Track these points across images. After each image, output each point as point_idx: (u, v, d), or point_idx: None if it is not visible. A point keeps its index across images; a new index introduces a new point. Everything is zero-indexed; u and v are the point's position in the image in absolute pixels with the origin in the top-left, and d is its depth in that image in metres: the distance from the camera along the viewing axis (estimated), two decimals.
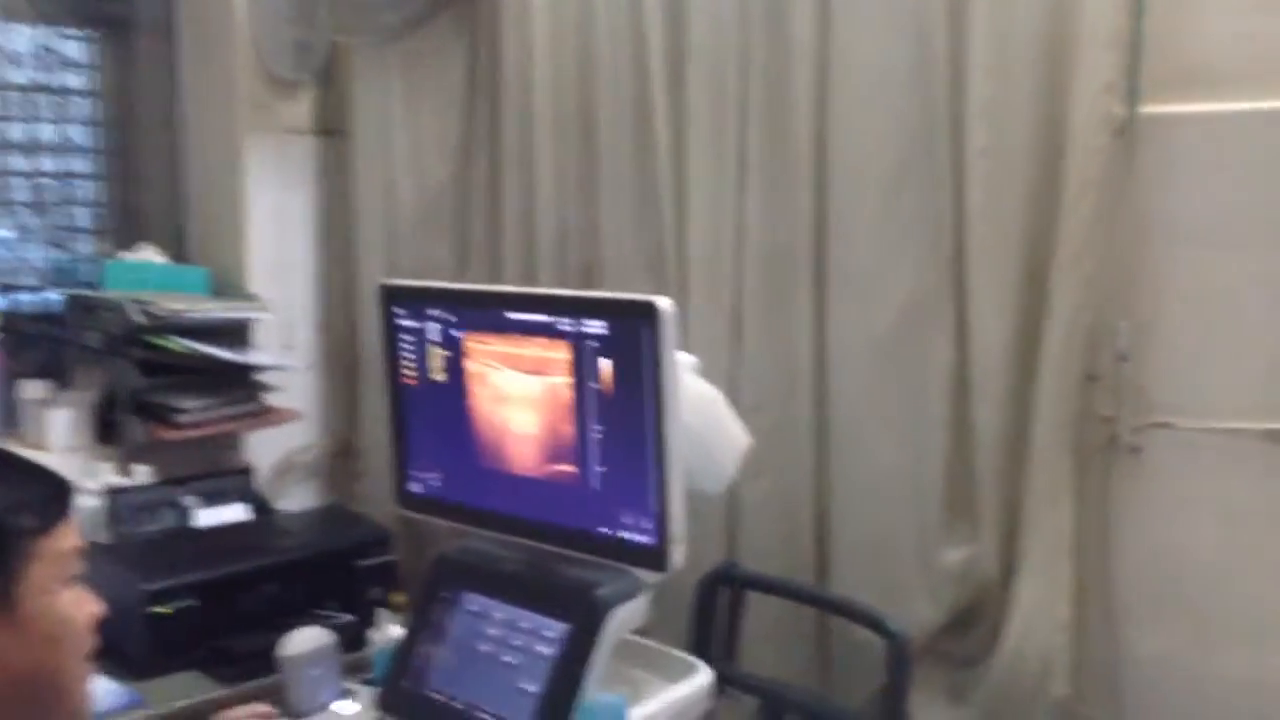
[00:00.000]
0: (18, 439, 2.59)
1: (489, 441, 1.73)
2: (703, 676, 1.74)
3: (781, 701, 2.01)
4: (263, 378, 2.71)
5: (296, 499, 2.81)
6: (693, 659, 1.78)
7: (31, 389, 2.61)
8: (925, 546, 2.04)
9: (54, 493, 1.11)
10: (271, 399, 2.72)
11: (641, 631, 1.71)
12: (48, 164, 2.90)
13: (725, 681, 2.09)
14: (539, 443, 1.66)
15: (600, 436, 1.58)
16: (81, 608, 1.12)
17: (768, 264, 2.17)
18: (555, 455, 1.64)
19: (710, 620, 2.12)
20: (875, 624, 1.90)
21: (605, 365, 1.55)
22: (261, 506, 2.61)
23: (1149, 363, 1.84)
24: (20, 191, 2.91)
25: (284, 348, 2.79)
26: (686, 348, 2.06)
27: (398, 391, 1.82)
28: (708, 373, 2.00)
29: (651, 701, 1.66)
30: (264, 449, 2.80)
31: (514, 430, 1.69)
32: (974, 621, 2.01)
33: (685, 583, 2.22)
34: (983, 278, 1.93)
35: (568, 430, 1.61)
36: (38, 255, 2.92)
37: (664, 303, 1.51)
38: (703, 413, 1.71)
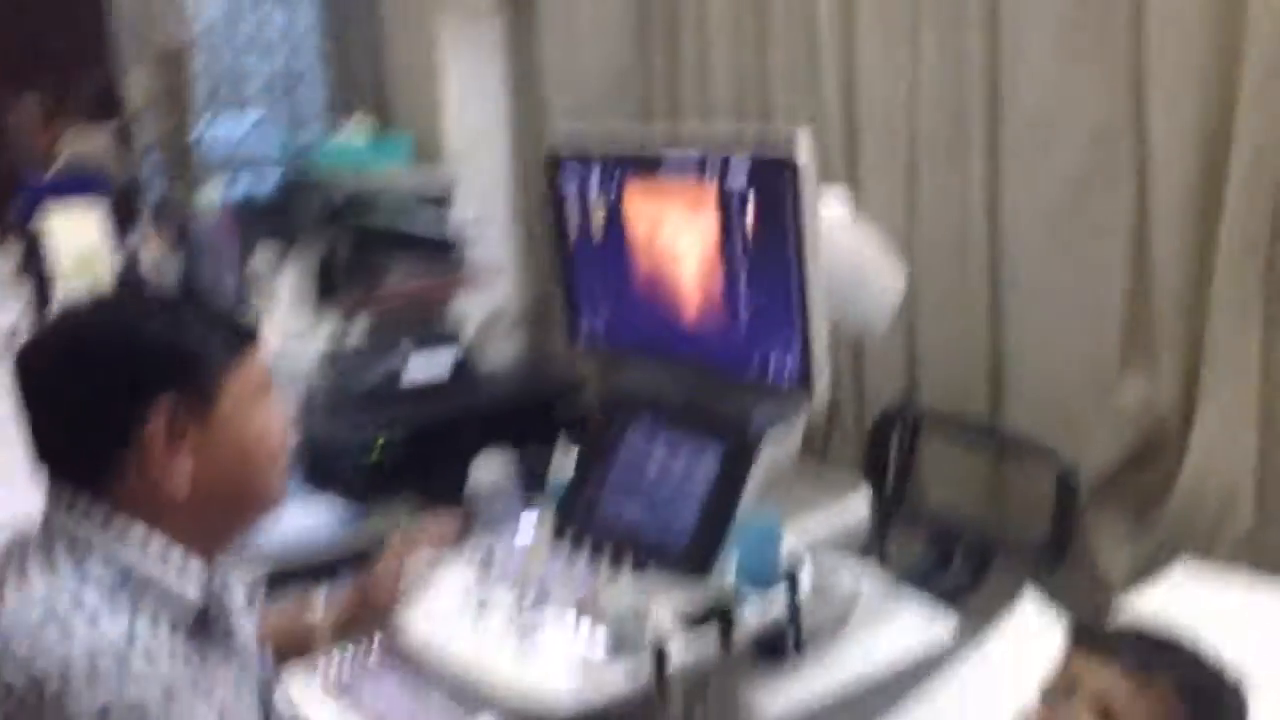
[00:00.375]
0: (251, 302, 2.86)
1: (648, 284, 1.81)
2: (862, 496, 1.78)
3: (949, 534, 2.04)
4: (463, 242, 2.88)
5: (498, 353, 2.98)
6: (856, 478, 1.82)
7: (262, 258, 2.86)
8: (1103, 382, 2.00)
9: (240, 328, 1.26)
10: (471, 261, 2.89)
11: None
12: (275, 54, 3.17)
13: (896, 515, 2.15)
14: (693, 283, 1.73)
15: (746, 276, 1.63)
16: (272, 422, 1.26)
17: (941, 109, 2.14)
18: (707, 295, 1.70)
19: (885, 456, 2.16)
20: (1044, 456, 1.90)
21: (750, 204, 1.59)
22: (464, 360, 2.79)
23: None
24: (253, 80, 3.19)
25: (482, 213, 2.94)
26: (860, 197, 2.09)
27: (564, 243, 1.92)
28: (885, 213, 2.02)
29: (811, 519, 1.72)
30: (468, 308, 2.98)
31: (669, 272, 1.76)
32: (1155, 458, 1.97)
33: (865, 421, 2.28)
34: (1164, 107, 1.85)
35: (717, 270, 1.67)
36: (267, 137, 3.16)
37: (803, 140, 1.53)
38: (856, 252, 1.73)
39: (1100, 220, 1.97)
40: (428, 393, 2.60)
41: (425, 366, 2.69)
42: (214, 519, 1.22)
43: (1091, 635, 1.33)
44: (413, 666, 1.59)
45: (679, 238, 1.74)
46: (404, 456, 2.38)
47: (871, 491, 2.04)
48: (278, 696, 1.38)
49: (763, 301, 1.63)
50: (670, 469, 1.71)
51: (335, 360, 2.62)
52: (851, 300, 1.72)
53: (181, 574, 1.17)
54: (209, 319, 1.24)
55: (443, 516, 1.73)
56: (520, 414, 2.46)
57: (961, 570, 2.02)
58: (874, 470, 2.16)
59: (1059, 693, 1.27)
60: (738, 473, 1.63)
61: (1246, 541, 1.85)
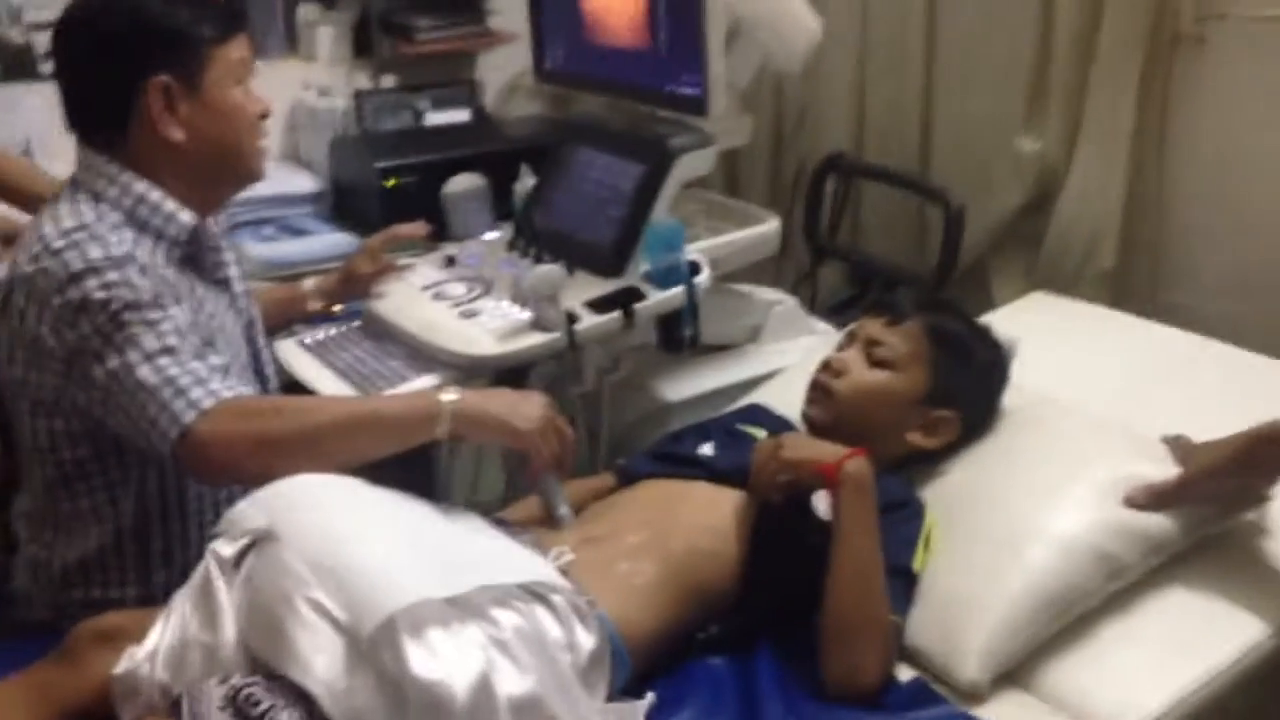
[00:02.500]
0: (294, 54, 3.18)
1: (592, 17, 2.11)
2: (770, 225, 2.09)
3: (864, 267, 2.34)
4: (490, 3, 3.14)
5: (519, 108, 3.26)
6: (767, 213, 2.12)
7: (305, 11, 3.16)
8: (1009, 137, 2.26)
9: (229, 12, 1.52)
10: (495, 23, 3.16)
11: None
12: None
13: (825, 252, 2.46)
14: (627, 18, 2.01)
15: (665, 9, 1.91)
16: (251, 102, 1.55)
17: None
18: (638, 28, 1.99)
19: (819, 202, 2.45)
20: (939, 197, 2.17)
21: None
22: (481, 113, 3.09)
23: None
24: None
25: None
26: None
27: None
28: None
29: (719, 238, 2.04)
30: (493, 69, 3.26)
31: (609, 8, 2.06)
32: (1045, 205, 2.24)
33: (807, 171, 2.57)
34: None
35: (644, 5, 1.96)
36: None
37: None
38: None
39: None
40: (447, 134, 2.91)
41: (443, 118, 3.00)
42: (202, 180, 1.51)
43: (877, 303, 1.66)
44: (378, 336, 1.95)
45: None
46: (416, 188, 2.71)
47: (808, 234, 2.35)
48: (262, 342, 1.71)
49: (676, 30, 1.92)
50: (602, 187, 2.03)
51: (362, 109, 2.94)
52: (771, 30, 1.97)
53: (175, 218, 1.48)
54: (200, 2, 1.49)
55: (415, 222, 2.06)
56: (520, 157, 2.74)
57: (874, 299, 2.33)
58: (811, 213, 2.45)
59: (844, 341, 1.62)
60: (653, 187, 1.94)
61: (1109, 279, 2.13)
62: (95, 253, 1.39)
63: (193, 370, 1.37)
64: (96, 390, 1.38)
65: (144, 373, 1.36)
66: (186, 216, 1.50)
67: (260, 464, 1.33)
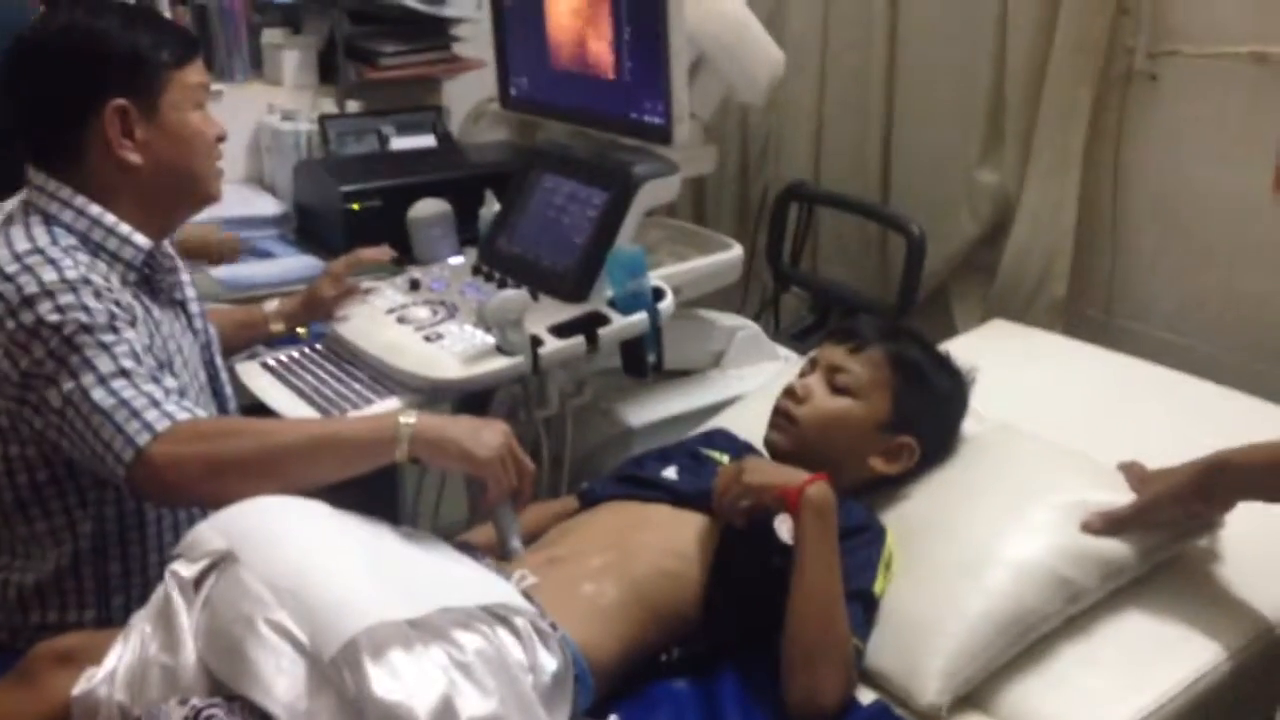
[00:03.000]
0: (259, 77, 3.18)
1: (556, 46, 2.13)
2: (733, 252, 2.11)
3: (826, 294, 2.37)
4: (455, 31, 3.16)
5: (484, 134, 3.27)
6: (730, 240, 2.14)
7: (270, 35, 3.17)
8: (968, 169, 2.30)
9: (185, 39, 1.53)
10: (461, 50, 3.18)
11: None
12: None
13: (788, 279, 2.48)
14: (591, 47, 2.03)
15: (629, 39, 1.93)
16: (208, 125, 1.54)
17: None
18: (603, 57, 2.01)
19: (782, 230, 2.48)
20: (901, 227, 2.20)
21: None
22: (446, 138, 3.10)
23: None
24: None
25: (475, 4, 3.20)
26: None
27: (500, 12, 2.22)
28: (803, 19, 2.26)
29: (682, 264, 2.06)
30: (459, 96, 3.27)
31: (574, 37, 2.07)
32: (1001, 235, 2.28)
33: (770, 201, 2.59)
34: None
35: (609, 35, 1.97)
36: None
37: None
38: (735, 32, 2.01)
39: (973, 21, 2.23)
40: (411, 158, 2.92)
41: (408, 143, 3.01)
42: (158, 203, 1.50)
43: (839, 329, 1.68)
44: (342, 358, 1.95)
45: (580, 6, 2.04)
46: (381, 213, 2.71)
47: (771, 261, 2.38)
48: (220, 363, 1.70)
49: (641, 60, 1.94)
50: (566, 214, 2.04)
51: (327, 134, 2.95)
52: (735, 61, 2.01)
53: (130, 240, 1.47)
54: (158, 27, 1.49)
55: (380, 246, 2.06)
56: (483, 183, 2.76)
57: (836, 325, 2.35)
58: (774, 241, 2.48)
59: (807, 367, 1.63)
60: (617, 214, 1.95)
61: (1060, 309, 2.17)
62: (49, 275, 1.38)
63: (148, 393, 1.36)
64: (53, 414, 1.37)
65: (98, 395, 1.34)
66: (142, 239, 1.49)
67: (216, 486, 1.32)
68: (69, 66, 1.44)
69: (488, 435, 1.41)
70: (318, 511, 1.31)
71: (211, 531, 1.24)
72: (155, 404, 1.36)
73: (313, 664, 1.10)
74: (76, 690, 1.17)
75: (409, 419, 1.39)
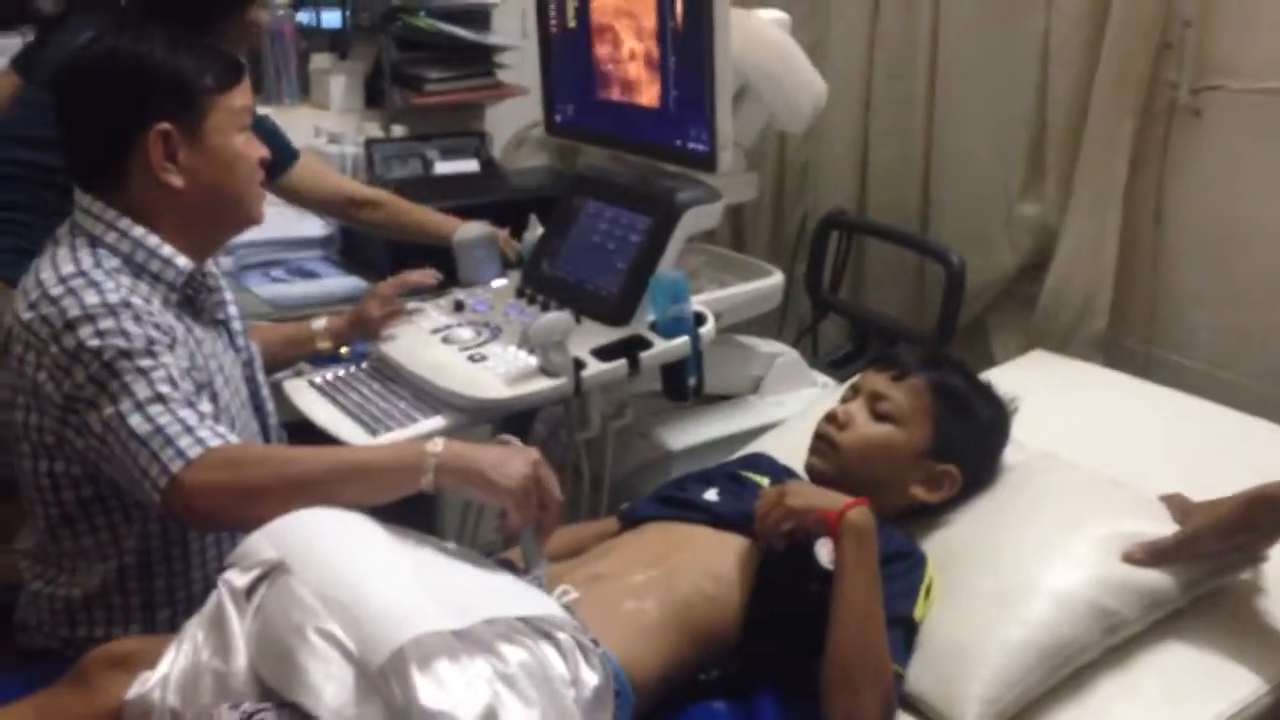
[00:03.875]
0: (307, 101, 3.24)
1: (604, 77, 2.16)
2: (773, 279, 2.13)
3: (865, 322, 2.38)
4: (499, 58, 3.21)
5: (526, 163, 3.32)
6: (770, 267, 2.16)
7: (318, 60, 3.23)
8: (1009, 201, 2.31)
9: (230, 63, 1.54)
10: (504, 76, 3.23)
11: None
12: None
13: (827, 307, 2.50)
14: (638, 77, 2.06)
15: (675, 68, 1.96)
16: (251, 148, 1.56)
17: None
18: (649, 86, 2.04)
19: (822, 257, 2.49)
20: (940, 257, 2.21)
21: (678, 3, 1.92)
22: (489, 163, 3.15)
23: (1210, 28, 1.98)
24: None
25: (521, 32, 3.25)
26: (831, 20, 2.38)
27: (548, 40, 2.26)
28: (846, 50, 2.28)
29: (723, 290, 2.08)
30: (501, 121, 3.32)
31: (620, 66, 2.10)
32: (1042, 267, 2.28)
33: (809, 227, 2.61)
34: None
35: (655, 64, 2.00)
36: None
37: None
38: (779, 60, 2.03)
39: (1014, 54, 2.25)
40: (456, 182, 2.96)
41: (451, 167, 3.06)
42: (201, 225, 1.53)
43: (881, 357, 1.69)
44: (387, 377, 1.98)
45: (626, 30, 2.07)
46: None
47: (810, 289, 2.39)
48: (261, 380, 1.72)
49: (686, 89, 1.97)
50: (609, 238, 2.07)
51: (373, 151, 3.00)
52: (779, 91, 2.03)
53: (172, 262, 1.49)
54: (202, 52, 1.51)
55: (426, 269, 2.09)
56: (527, 207, 2.79)
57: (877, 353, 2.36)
58: (813, 268, 2.49)
59: (848, 394, 1.64)
60: (660, 240, 1.97)
61: (1100, 342, 2.17)
62: (91, 299, 1.40)
63: (183, 418, 1.37)
64: (93, 438, 1.39)
65: (135, 421, 1.36)
66: (184, 261, 1.51)
67: (245, 513, 1.32)
68: (114, 91, 1.46)
69: (513, 465, 1.37)
70: (366, 524, 1.33)
71: (264, 541, 1.26)
72: (189, 430, 1.37)
73: (361, 672, 1.12)
74: (130, 694, 1.19)
75: (435, 447, 1.38)
